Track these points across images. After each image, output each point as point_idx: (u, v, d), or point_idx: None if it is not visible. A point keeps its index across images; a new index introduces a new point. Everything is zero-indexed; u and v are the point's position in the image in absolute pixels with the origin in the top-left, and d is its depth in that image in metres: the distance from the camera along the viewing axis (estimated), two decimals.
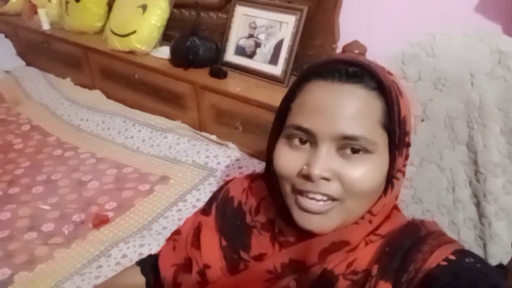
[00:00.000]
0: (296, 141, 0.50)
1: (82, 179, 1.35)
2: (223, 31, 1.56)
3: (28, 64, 2.25)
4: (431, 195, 1.08)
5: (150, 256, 0.76)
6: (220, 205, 0.66)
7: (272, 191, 0.58)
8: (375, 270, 0.48)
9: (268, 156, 0.58)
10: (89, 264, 1.01)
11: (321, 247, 0.51)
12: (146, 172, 1.35)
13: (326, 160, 0.47)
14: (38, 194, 1.29)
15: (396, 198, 0.54)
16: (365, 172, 0.47)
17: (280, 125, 0.53)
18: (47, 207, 1.22)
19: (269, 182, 0.59)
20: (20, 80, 2.11)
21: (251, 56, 1.47)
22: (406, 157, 0.52)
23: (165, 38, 1.74)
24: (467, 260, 0.47)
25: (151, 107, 1.68)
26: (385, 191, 0.51)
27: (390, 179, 0.50)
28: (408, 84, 1.05)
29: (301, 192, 0.49)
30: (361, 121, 0.47)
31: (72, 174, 1.38)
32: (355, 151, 0.47)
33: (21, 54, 2.29)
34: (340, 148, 0.48)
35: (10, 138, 1.66)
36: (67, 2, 1.94)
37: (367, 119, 0.47)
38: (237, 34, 1.50)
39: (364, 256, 0.50)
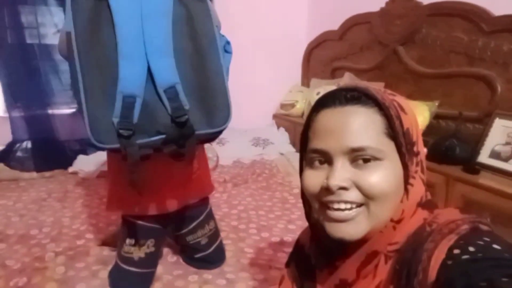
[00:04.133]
0: (316, 163, 0.58)
1: None
2: (477, 139, 1.81)
3: (297, 151, 2.97)
4: None
5: None
6: (294, 254, 0.76)
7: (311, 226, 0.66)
8: None
9: (301, 190, 0.65)
10: None
11: (359, 261, 0.55)
12: None
13: (341, 172, 0.54)
14: None
15: (420, 203, 0.56)
16: (379, 176, 0.53)
17: (303, 155, 0.63)
18: None
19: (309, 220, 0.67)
20: (291, 160, 2.81)
21: (506, 160, 1.65)
22: (417, 164, 0.56)
23: None
24: (470, 249, 0.46)
25: None
26: (401, 198, 0.55)
27: (406, 186, 0.55)
28: None
29: (327, 205, 0.55)
30: (364, 133, 0.54)
31: None
32: (366, 160, 0.53)
33: (293, 143, 3.06)
34: (353, 161, 0.54)
35: (286, 195, 2.24)
36: None
37: (370, 131, 0.54)
38: (493, 141, 1.73)
39: (385, 277, 0.52)
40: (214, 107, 0.94)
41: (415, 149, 0.56)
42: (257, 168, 2.70)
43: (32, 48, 2.57)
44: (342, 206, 0.54)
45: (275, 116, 3.37)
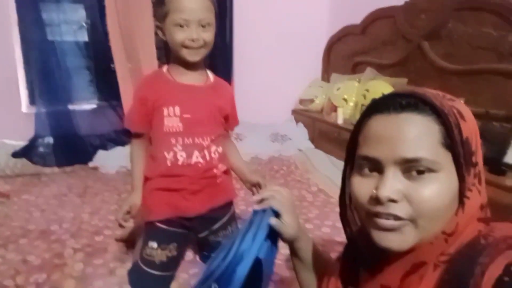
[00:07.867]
0: (366, 170, 0.56)
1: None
2: (505, 139, 1.73)
3: (316, 147, 2.94)
4: None
5: None
6: (346, 250, 0.74)
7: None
8: None
9: (341, 191, 0.66)
10: None
11: (404, 270, 0.54)
12: None
13: (392, 183, 0.51)
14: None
15: (475, 215, 0.53)
16: (433, 191, 0.50)
17: (350, 158, 0.61)
18: None
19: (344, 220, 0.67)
20: (309, 156, 2.77)
21: None
22: (475, 176, 0.53)
23: None
24: None
25: None
26: (456, 210, 0.52)
27: (461, 198, 0.52)
28: None
29: (375, 215, 0.53)
30: (420, 143, 0.51)
31: None
32: (420, 172, 0.51)
33: (311, 139, 3.02)
34: (406, 171, 0.52)
35: (304, 193, 2.21)
36: (362, 105, 2.53)
37: (426, 141, 0.51)
38: None
39: (432, 287, 0.50)
40: None
41: (473, 159, 0.52)
42: (275, 164, 2.67)
43: (53, 45, 2.60)
44: (390, 217, 0.52)
45: (294, 112, 3.33)
